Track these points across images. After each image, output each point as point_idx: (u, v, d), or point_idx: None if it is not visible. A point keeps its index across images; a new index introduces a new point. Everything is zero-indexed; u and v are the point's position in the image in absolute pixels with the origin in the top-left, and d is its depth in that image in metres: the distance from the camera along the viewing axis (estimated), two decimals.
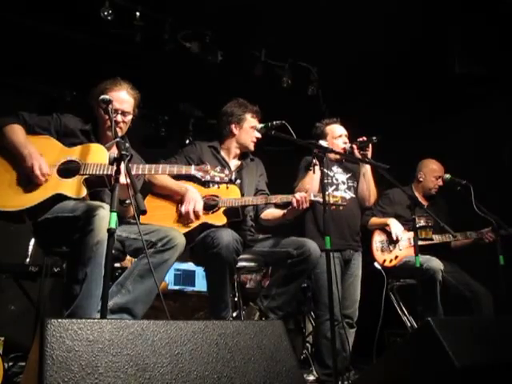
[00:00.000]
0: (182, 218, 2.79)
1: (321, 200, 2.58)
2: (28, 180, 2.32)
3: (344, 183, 3.45)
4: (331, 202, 2.81)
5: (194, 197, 2.80)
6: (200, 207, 2.77)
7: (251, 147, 3.17)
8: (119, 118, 2.56)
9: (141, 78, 2.73)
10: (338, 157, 3.41)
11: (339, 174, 3.46)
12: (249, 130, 3.13)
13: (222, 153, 3.18)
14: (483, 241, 3.63)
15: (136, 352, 1.26)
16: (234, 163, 3.19)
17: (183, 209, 2.78)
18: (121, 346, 1.25)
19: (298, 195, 2.77)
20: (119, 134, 2.56)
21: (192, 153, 3.11)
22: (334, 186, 3.39)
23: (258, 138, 3.14)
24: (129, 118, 2.63)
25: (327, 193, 2.85)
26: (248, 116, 3.16)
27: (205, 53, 4.35)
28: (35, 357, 1.19)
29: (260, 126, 2.80)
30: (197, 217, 2.77)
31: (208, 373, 1.32)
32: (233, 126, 3.15)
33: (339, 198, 2.86)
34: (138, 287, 2.32)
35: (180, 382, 1.27)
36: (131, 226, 2.54)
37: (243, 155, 3.24)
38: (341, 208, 2.87)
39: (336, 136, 3.42)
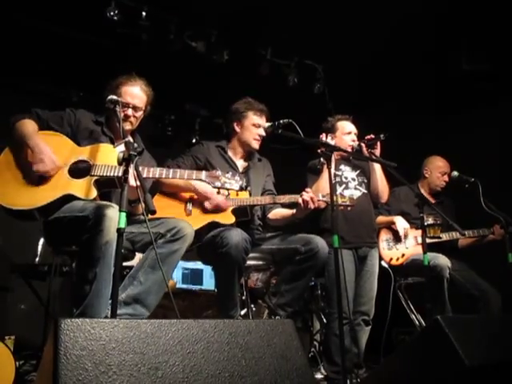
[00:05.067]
0: (212, 212, 2.84)
1: (328, 200, 2.58)
2: (39, 176, 2.33)
3: (354, 180, 3.42)
4: (339, 202, 2.79)
5: (206, 190, 2.81)
6: (220, 197, 2.81)
7: (254, 145, 3.11)
8: (130, 112, 2.58)
9: (147, 78, 2.74)
10: (345, 154, 3.40)
11: (348, 172, 3.44)
12: (250, 127, 3.08)
13: (229, 153, 3.16)
14: (492, 236, 3.61)
15: (148, 351, 1.27)
16: (241, 163, 3.17)
17: (208, 206, 2.81)
18: (133, 345, 1.26)
19: (305, 196, 2.77)
20: (128, 127, 2.59)
21: (199, 153, 3.10)
22: (344, 185, 3.37)
23: (261, 136, 3.08)
24: (140, 113, 2.65)
25: (337, 193, 2.86)
26: (250, 113, 3.10)
27: (211, 52, 4.36)
28: (49, 356, 1.20)
29: (267, 124, 2.80)
30: (225, 204, 2.82)
31: (219, 371, 1.32)
32: (235, 123, 3.14)
33: (347, 199, 2.85)
34: (150, 278, 2.33)
35: (192, 381, 1.28)
36: (140, 222, 2.55)
37: (250, 155, 3.22)
38: (349, 209, 2.87)
39: (345, 132, 3.40)
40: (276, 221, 3.11)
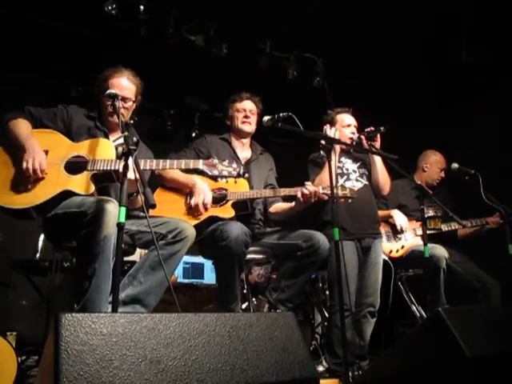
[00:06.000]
0: (191, 211, 2.81)
1: (329, 192, 2.58)
2: (33, 176, 2.32)
3: (355, 171, 3.41)
4: (340, 194, 2.79)
5: (203, 189, 2.81)
6: (209, 200, 2.79)
7: (244, 128, 3.16)
8: (119, 103, 2.55)
9: (146, 72, 2.73)
10: (345, 147, 3.39)
11: (349, 164, 3.43)
12: (235, 114, 3.20)
13: (233, 145, 3.20)
14: (489, 225, 3.62)
15: (149, 345, 1.27)
16: (243, 155, 3.20)
17: (192, 201, 2.79)
18: (134, 339, 1.26)
19: (305, 189, 2.77)
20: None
21: (201, 146, 3.12)
22: (345, 177, 3.37)
23: (248, 117, 3.16)
24: (129, 104, 2.64)
25: (338, 185, 2.86)
26: (231, 104, 3.24)
27: (209, 46, 4.34)
28: (50, 351, 1.20)
29: (267, 118, 2.79)
30: (205, 209, 2.79)
31: (221, 365, 1.33)
32: (226, 120, 3.27)
33: (348, 191, 2.84)
34: (150, 278, 2.34)
35: (193, 374, 1.28)
36: (140, 219, 2.55)
37: (253, 147, 3.26)
38: (350, 201, 2.86)
39: (345, 125, 3.39)
40: (277, 214, 3.11)
